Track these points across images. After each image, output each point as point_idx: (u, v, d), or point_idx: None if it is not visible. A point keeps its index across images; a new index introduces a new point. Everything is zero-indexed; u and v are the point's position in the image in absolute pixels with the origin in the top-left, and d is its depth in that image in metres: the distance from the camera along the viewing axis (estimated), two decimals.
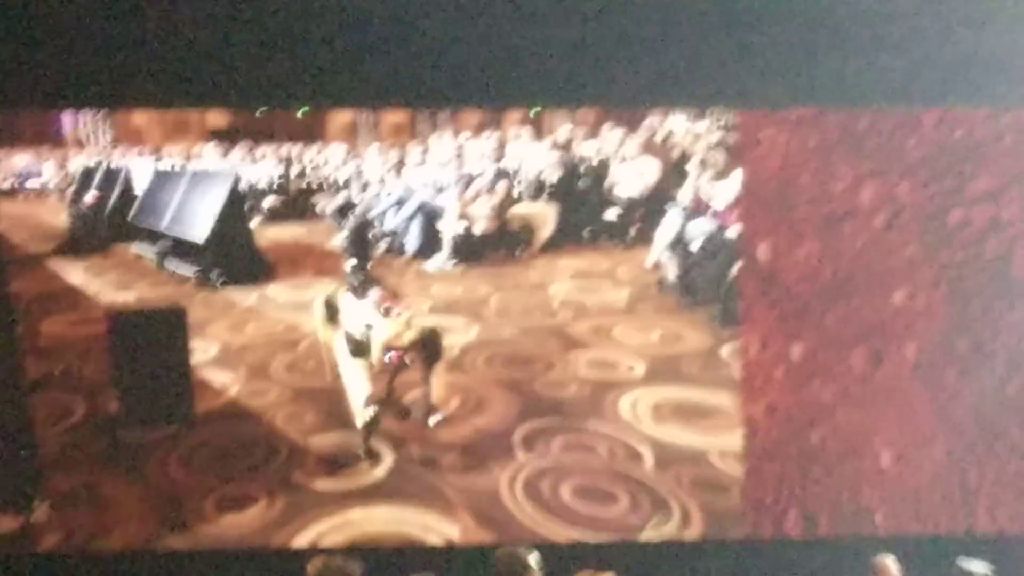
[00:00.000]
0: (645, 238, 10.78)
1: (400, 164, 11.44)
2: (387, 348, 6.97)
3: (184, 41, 6.19)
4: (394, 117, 12.01)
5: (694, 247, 8.86)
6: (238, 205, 10.47)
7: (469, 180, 10.96)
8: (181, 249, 10.45)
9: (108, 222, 11.27)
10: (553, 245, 10.67)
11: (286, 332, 8.66)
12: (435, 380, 7.16)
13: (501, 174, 11.03)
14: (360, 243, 8.21)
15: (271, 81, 6.43)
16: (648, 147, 10.94)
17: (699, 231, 8.79)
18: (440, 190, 10.72)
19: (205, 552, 6.42)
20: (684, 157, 11.13)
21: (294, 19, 6.15)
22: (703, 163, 9.27)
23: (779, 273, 5.84)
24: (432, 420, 7.10)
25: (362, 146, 12.28)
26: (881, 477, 5.83)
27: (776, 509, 6.01)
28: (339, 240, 10.80)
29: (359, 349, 7.03)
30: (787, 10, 5.71)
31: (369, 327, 7.06)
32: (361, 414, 7.01)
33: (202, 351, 8.31)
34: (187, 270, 10.10)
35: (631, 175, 10.78)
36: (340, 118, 12.20)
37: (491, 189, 10.82)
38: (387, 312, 7.13)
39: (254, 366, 8.31)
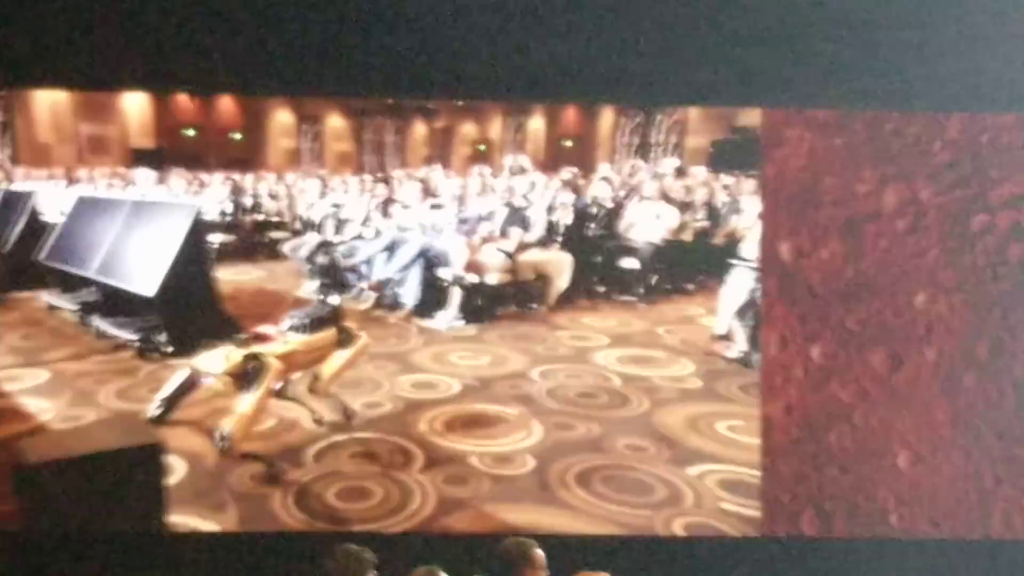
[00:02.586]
0: (665, 291, 10.20)
1: (388, 201, 10.34)
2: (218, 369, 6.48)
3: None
4: (339, 146, 10.99)
5: None
6: (198, 247, 8.31)
7: (476, 222, 9.94)
8: (114, 303, 8.44)
9: (10, 263, 8.96)
10: (567, 299, 9.78)
11: (288, 433, 6.81)
12: (238, 407, 6.39)
13: (514, 215, 10.02)
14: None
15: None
16: (666, 194, 10.48)
17: None
18: (439, 233, 9.85)
19: (224, 533, 5.96)
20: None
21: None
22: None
23: (801, 273, 5.85)
24: (221, 443, 6.28)
25: (307, 175, 11.18)
26: (897, 479, 5.81)
27: (792, 508, 5.94)
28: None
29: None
30: (816, 11, 5.81)
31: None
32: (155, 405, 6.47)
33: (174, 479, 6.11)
34: (124, 332, 8.11)
35: (648, 220, 10.25)
36: (281, 143, 10.95)
37: (502, 233, 9.93)
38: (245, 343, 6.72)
39: None
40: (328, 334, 7.13)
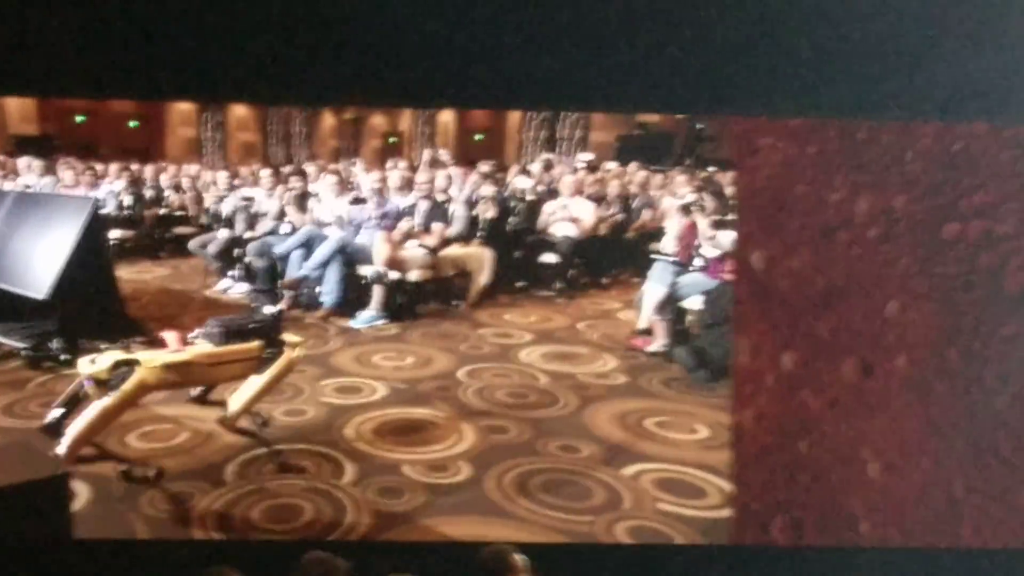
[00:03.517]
0: (582, 285, 10.23)
1: (304, 195, 10.01)
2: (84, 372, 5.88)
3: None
4: (244, 136, 10.56)
5: (688, 305, 8.23)
6: (95, 243, 7.77)
7: (395, 217, 9.71)
8: None
9: None
10: (488, 295, 9.89)
11: (203, 447, 6.44)
12: (88, 415, 5.83)
13: (435, 210, 9.87)
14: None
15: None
16: (582, 187, 10.57)
17: (694, 289, 8.14)
18: (358, 228, 9.59)
19: (194, 541, 5.73)
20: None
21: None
22: (687, 208, 8.77)
23: (772, 281, 5.81)
24: (59, 449, 5.68)
25: (208, 165, 10.66)
26: (868, 487, 5.81)
27: (762, 516, 5.92)
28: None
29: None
30: (788, 19, 5.78)
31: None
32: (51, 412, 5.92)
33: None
34: (11, 339, 7.55)
35: (566, 214, 10.32)
36: (181, 132, 10.45)
37: (423, 228, 9.78)
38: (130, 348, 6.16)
39: None
40: (248, 347, 6.41)
